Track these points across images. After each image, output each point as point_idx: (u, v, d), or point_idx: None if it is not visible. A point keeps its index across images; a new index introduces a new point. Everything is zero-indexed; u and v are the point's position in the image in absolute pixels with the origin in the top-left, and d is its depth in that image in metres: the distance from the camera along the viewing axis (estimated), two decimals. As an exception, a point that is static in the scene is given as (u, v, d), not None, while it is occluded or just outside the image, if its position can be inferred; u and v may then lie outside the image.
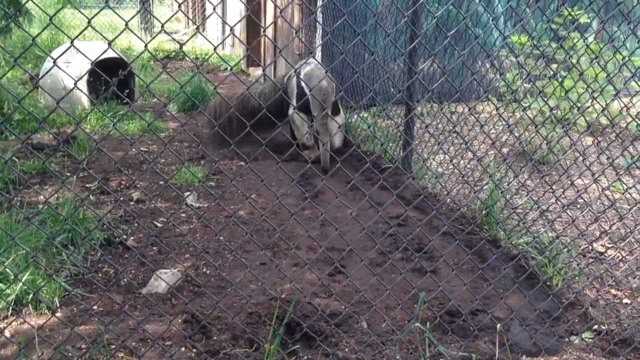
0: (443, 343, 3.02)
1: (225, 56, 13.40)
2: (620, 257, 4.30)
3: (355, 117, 7.57)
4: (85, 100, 8.00)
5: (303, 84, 6.18)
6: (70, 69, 7.37)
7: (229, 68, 12.21)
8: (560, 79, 4.64)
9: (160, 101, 3.38)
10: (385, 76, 6.87)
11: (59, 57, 2.21)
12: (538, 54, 6.41)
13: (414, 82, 5.73)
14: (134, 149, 6.45)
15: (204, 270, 4.17)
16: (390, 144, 6.66)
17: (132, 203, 5.29)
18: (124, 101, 8.06)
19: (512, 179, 5.14)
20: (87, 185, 5.61)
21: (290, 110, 6.44)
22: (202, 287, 3.75)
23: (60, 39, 12.32)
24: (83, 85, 7.52)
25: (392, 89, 7.78)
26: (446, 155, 6.04)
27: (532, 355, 2.91)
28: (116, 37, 2.46)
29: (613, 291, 3.97)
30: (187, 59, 12.69)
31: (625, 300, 3.85)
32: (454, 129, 3.30)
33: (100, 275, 4.00)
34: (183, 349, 3.12)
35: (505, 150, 6.41)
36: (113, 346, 2.91)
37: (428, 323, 2.97)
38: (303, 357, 3.06)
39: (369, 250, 4.30)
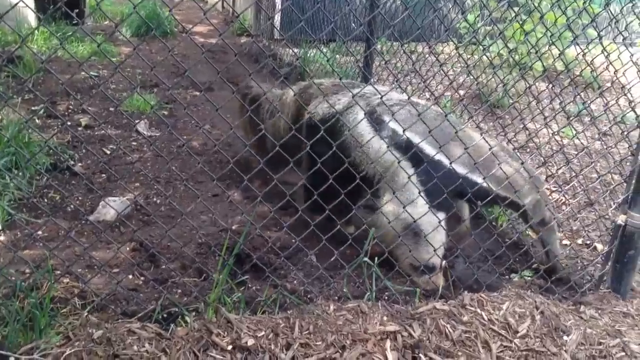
0: (389, 278, 3.09)
1: (182, -20, 12.86)
2: (564, 200, 4.44)
3: (315, 51, 7.45)
4: (32, 19, 7.60)
5: (464, 172, 3.19)
6: (15, -17, 6.95)
7: (186, -7, 11.75)
8: (520, 22, 4.63)
9: (112, 23, 3.18)
10: (347, 9, 6.73)
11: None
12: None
13: (376, 17, 5.62)
14: (83, 72, 6.20)
15: (154, 199, 4.12)
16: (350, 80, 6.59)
17: (80, 128, 5.13)
18: (74, 22, 7.71)
19: (467, 120, 5.18)
20: (32, 107, 5.40)
21: (418, 208, 3.13)
22: (152, 216, 3.71)
23: (4, -50, 11.57)
24: (30, 1, 7.12)
25: (353, 24, 7.64)
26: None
27: (473, 291, 3.01)
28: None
29: (554, 233, 4.11)
30: (142, -20, 12.16)
31: (564, 242, 4.00)
32: (413, 66, 3.27)
33: (45, 200, 3.91)
34: (131, 276, 3.11)
35: (461, 92, 6.44)
36: (58, 272, 2.86)
37: (376, 258, 3.02)
38: (252, 287, 3.09)
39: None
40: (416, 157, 3.15)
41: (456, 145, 2.98)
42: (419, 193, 3.09)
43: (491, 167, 3.12)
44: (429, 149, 3.15)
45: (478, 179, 3.17)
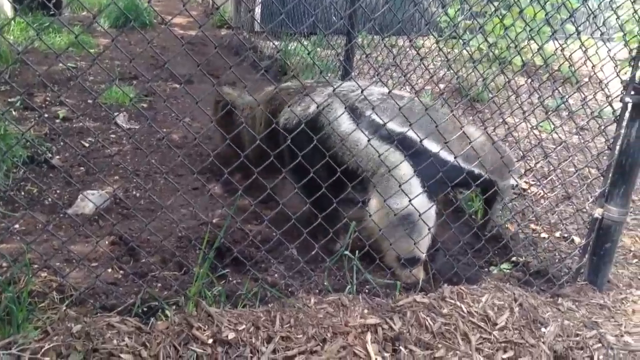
0: (370, 271, 3.10)
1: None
2: (542, 194, 4.49)
3: (296, 44, 7.43)
4: (8, 8, 7.47)
5: (456, 161, 3.14)
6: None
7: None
8: (500, 17, 4.67)
9: (90, 13, 3.12)
10: (328, 2, 6.71)
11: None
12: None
13: (356, 10, 5.62)
14: (60, 64, 6.11)
15: (134, 192, 4.08)
16: (330, 74, 6.59)
17: (57, 121, 5.06)
18: (51, 12, 7.60)
19: (450, 113, 5.19)
20: (9, 99, 5.31)
21: (414, 200, 3.03)
22: (131, 209, 3.68)
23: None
24: (5, -9, 7.01)
25: (333, 17, 7.63)
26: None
27: (453, 284, 3.03)
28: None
29: (532, 226, 4.16)
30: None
31: (543, 235, 4.05)
32: (393, 60, 3.28)
33: (22, 193, 3.85)
34: (110, 270, 3.08)
35: (442, 86, 6.46)
36: (36, 266, 2.83)
37: (357, 252, 3.02)
38: (232, 281, 3.08)
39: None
40: (411, 151, 3.10)
41: (447, 134, 3.00)
42: (412, 185, 3.07)
43: (480, 154, 3.19)
44: (428, 142, 3.09)
45: (469, 166, 3.23)
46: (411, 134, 3.12)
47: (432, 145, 3.08)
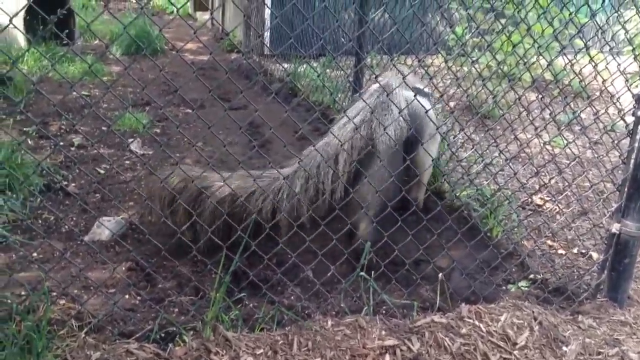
0: (387, 292, 3.09)
1: (171, -2, 12.94)
2: (557, 209, 4.46)
3: (305, 66, 7.49)
4: (21, 39, 7.61)
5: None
6: (5, 4, 6.97)
7: (175, 11, 11.82)
8: (508, 34, 4.69)
9: (102, 43, 3.15)
10: (336, 24, 6.77)
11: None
12: (488, 7, 6.42)
13: (365, 32, 5.67)
14: (74, 92, 6.20)
15: (149, 218, 4.10)
16: (339, 95, 6.62)
17: (72, 148, 5.12)
18: (64, 42, 7.73)
19: (458, 132, 5.21)
20: (24, 129, 5.39)
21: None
22: (147, 235, 3.69)
23: (-7, -28, 11.59)
24: (19, 22, 7.14)
25: (342, 39, 7.69)
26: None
27: (471, 303, 3.01)
28: (54, -29, 2.32)
29: (549, 242, 4.13)
30: (131, -1, 12.19)
31: (560, 251, 4.02)
32: (403, 80, 3.30)
33: (40, 221, 3.89)
34: (127, 296, 3.09)
35: (452, 103, 6.48)
36: (54, 293, 2.85)
37: (373, 272, 3.02)
38: (249, 304, 3.08)
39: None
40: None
41: None
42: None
43: None
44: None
45: None
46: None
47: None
